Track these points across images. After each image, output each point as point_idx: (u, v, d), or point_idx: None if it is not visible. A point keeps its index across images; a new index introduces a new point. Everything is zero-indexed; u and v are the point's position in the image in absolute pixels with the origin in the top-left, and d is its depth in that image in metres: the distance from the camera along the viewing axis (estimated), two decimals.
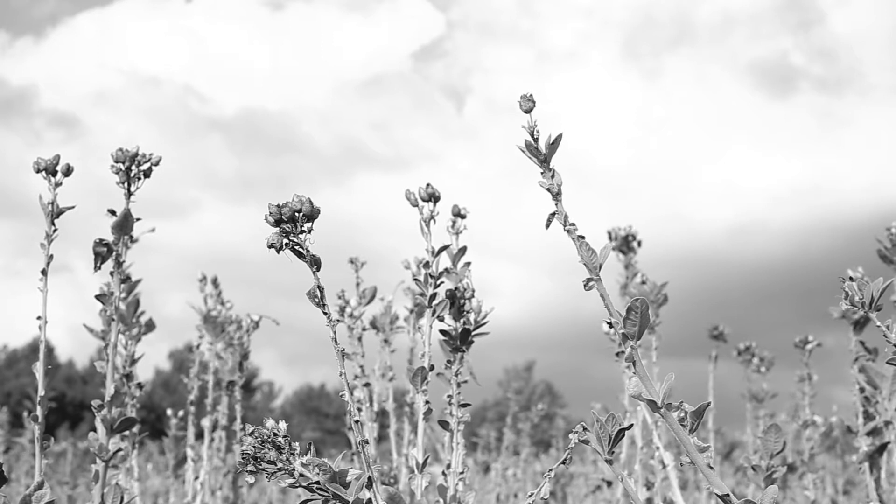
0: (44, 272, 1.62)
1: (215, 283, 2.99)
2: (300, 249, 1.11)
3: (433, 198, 1.60)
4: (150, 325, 2.10)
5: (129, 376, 2.03)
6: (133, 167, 1.61)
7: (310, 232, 1.12)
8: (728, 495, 1.10)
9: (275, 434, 1.04)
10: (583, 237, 1.15)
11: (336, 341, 1.15)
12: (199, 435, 3.03)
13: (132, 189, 1.62)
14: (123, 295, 1.65)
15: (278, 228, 1.11)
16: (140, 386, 2.02)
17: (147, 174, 1.62)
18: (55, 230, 1.62)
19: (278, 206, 1.10)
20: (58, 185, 1.62)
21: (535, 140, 1.17)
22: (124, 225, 1.61)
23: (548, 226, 1.17)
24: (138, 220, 1.62)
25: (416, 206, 1.60)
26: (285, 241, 1.11)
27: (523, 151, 1.17)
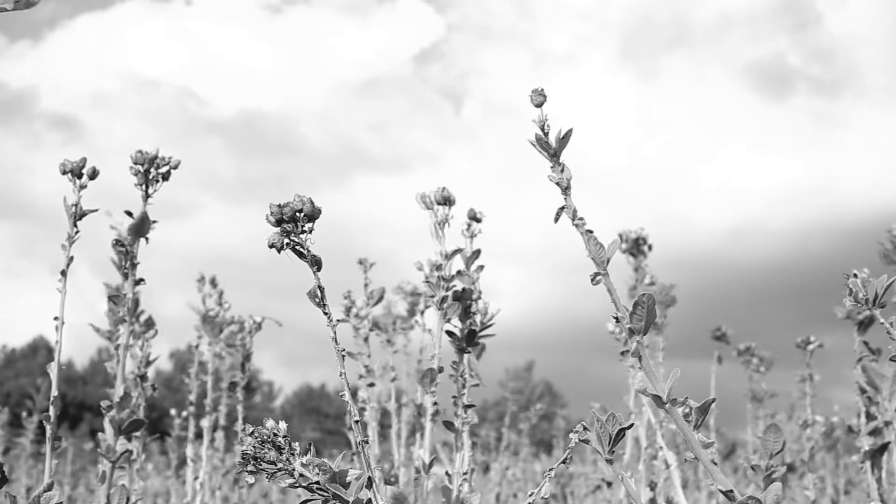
0: (63, 273, 1.61)
1: (213, 283, 2.99)
2: (301, 249, 1.11)
3: (447, 201, 1.60)
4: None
5: (143, 377, 2.03)
6: (152, 170, 1.60)
7: (311, 232, 1.12)
8: (731, 491, 1.10)
9: (275, 434, 1.04)
10: (591, 231, 1.15)
11: (336, 342, 1.14)
12: (199, 435, 3.03)
13: (150, 191, 1.61)
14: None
15: (279, 228, 1.11)
16: (154, 388, 2.02)
17: (165, 177, 1.62)
18: (77, 232, 1.61)
19: (279, 205, 1.10)
20: (82, 187, 1.61)
21: (546, 134, 1.17)
22: (141, 227, 1.60)
23: (557, 219, 1.17)
24: (155, 222, 1.62)
25: (431, 209, 1.60)
26: (286, 241, 1.11)
27: (534, 146, 1.17)
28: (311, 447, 1.06)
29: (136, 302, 2.00)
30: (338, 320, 1.14)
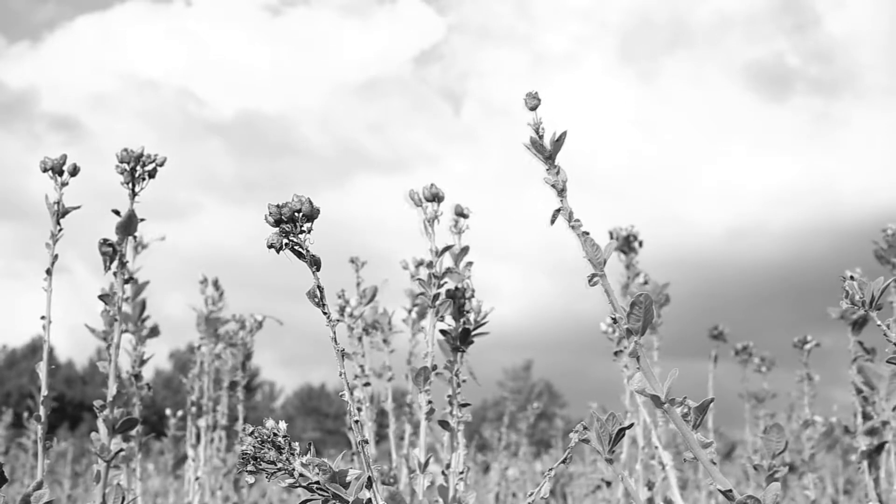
0: (48, 272, 1.62)
1: (216, 285, 2.99)
2: (300, 249, 1.12)
3: (436, 198, 1.61)
4: (155, 331, 2.11)
5: (137, 377, 2.03)
6: (138, 168, 1.61)
7: (309, 232, 1.12)
8: (731, 490, 1.10)
9: (275, 434, 1.04)
10: (587, 233, 1.15)
11: (336, 341, 1.15)
12: (199, 436, 3.03)
13: (136, 190, 1.62)
14: (128, 296, 1.65)
15: (278, 228, 1.11)
16: (148, 387, 2.03)
17: (152, 175, 1.62)
18: (60, 230, 1.62)
19: (278, 206, 1.10)
20: (64, 184, 1.62)
21: (540, 137, 1.17)
22: (128, 225, 1.61)
23: (553, 222, 1.17)
24: (142, 220, 1.62)
25: (420, 206, 1.61)
26: (285, 241, 1.11)
27: (528, 149, 1.18)
28: (311, 447, 1.06)
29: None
30: (336, 320, 1.14)
